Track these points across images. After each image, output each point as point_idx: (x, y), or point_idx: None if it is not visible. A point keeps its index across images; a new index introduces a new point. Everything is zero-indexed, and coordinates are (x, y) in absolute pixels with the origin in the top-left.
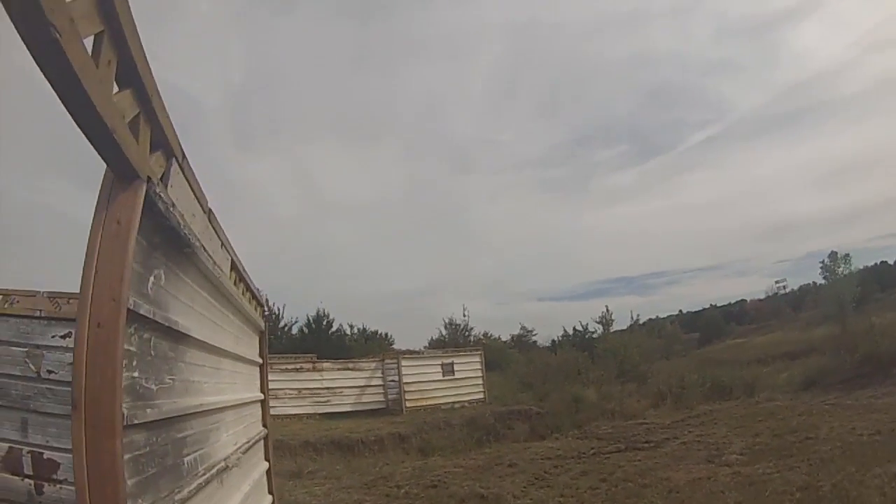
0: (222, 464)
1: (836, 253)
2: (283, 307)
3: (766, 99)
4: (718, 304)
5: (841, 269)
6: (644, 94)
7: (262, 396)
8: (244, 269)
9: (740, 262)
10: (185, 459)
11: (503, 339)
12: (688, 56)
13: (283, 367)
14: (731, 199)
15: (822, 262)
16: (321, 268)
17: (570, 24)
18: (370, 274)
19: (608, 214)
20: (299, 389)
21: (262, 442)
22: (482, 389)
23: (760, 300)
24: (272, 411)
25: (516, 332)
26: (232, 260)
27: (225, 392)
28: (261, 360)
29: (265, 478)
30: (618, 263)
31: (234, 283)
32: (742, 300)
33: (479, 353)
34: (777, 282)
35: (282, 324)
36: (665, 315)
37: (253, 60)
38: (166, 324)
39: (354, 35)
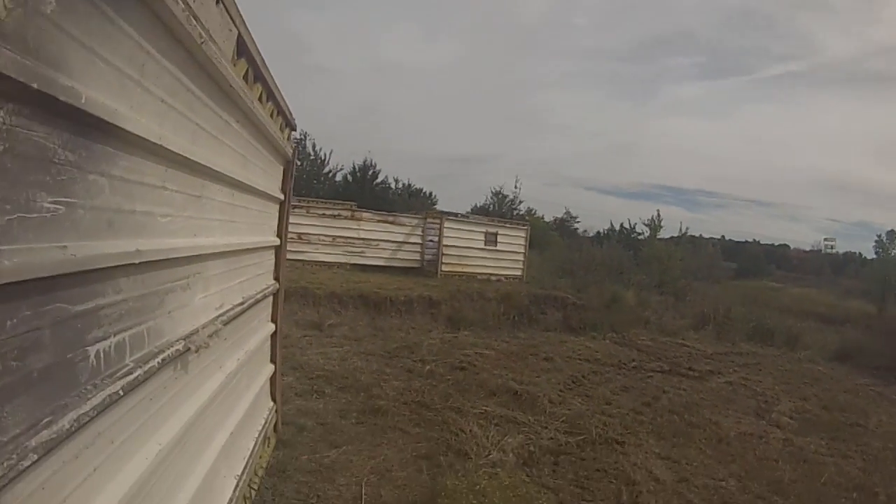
0: (180, 345)
1: (895, 231)
2: (330, 153)
3: (856, 52)
4: (762, 242)
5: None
6: (732, 10)
7: (277, 242)
8: (266, 68)
9: (792, 207)
10: (95, 349)
11: (546, 220)
12: None
13: (321, 212)
14: (797, 141)
15: (879, 236)
16: (372, 122)
17: None
18: (422, 134)
19: (672, 122)
20: (334, 237)
21: (269, 299)
22: (521, 267)
23: (805, 251)
24: (301, 256)
25: (560, 215)
26: (241, 37)
27: (211, 233)
28: (282, 196)
29: (268, 343)
30: (672, 172)
31: (245, 80)
32: (785, 245)
33: (525, 228)
34: (826, 239)
35: (326, 169)
36: (708, 236)
37: None
38: (44, 89)
39: None
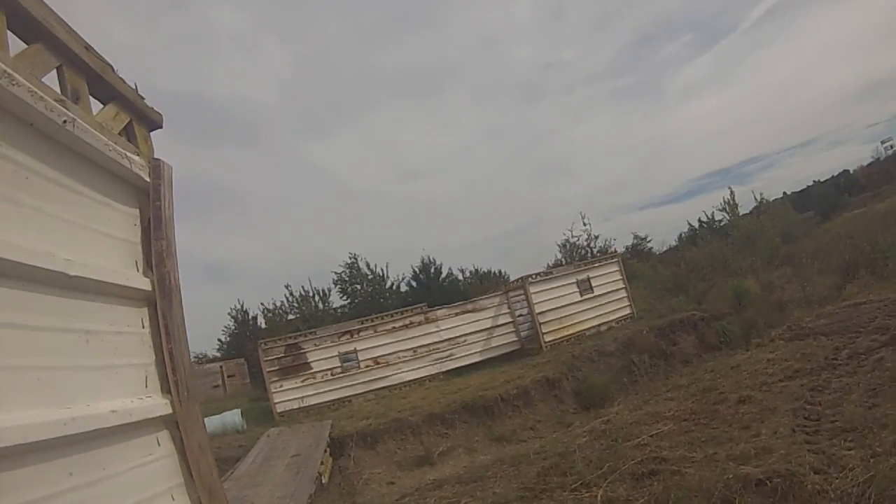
0: None
1: None
2: (387, 266)
3: None
4: (822, 180)
5: None
6: None
7: (163, 407)
8: None
9: (832, 133)
10: None
11: (618, 251)
12: None
13: (390, 325)
14: (808, 68)
15: None
16: (418, 226)
17: None
18: (469, 222)
19: (689, 110)
20: (414, 349)
21: None
22: (628, 303)
23: (866, 167)
24: (384, 382)
25: (629, 243)
26: None
27: None
28: (148, 285)
29: None
30: (710, 158)
31: None
32: (845, 171)
33: (615, 260)
34: (883, 142)
35: (388, 284)
36: (772, 199)
37: (296, 48)
38: None
39: None
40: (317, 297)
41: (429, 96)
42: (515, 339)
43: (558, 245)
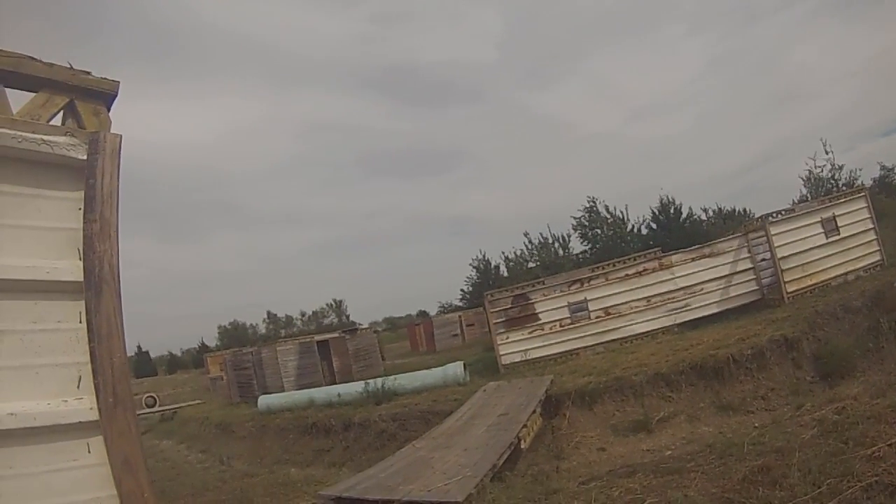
0: None
1: None
2: (626, 208)
3: None
4: None
5: None
6: None
7: None
8: None
9: None
10: None
11: (865, 185)
12: None
13: (623, 273)
14: None
15: None
16: (653, 166)
17: None
18: (704, 158)
19: None
20: (648, 298)
21: None
22: (878, 248)
23: None
24: (615, 334)
25: (875, 175)
26: None
27: None
28: (74, 275)
29: None
30: None
31: None
32: None
33: (862, 196)
34: None
35: (629, 227)
36: None
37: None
38: None
39: None
40: (556, 244)
41: (645, 33)
42: (756, 287)
43: (802, 179)
